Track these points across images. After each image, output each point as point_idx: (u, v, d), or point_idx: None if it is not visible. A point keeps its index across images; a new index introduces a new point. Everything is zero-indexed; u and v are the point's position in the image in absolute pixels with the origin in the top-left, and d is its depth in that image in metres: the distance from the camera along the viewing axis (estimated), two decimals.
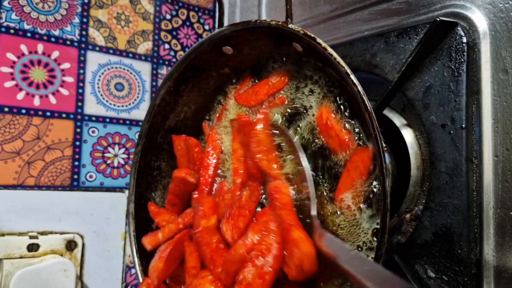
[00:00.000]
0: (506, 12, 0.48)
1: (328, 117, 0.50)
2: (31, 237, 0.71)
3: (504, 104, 0.47)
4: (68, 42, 0.79)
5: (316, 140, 0.53)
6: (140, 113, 0.87)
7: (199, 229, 0.56)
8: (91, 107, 0.81)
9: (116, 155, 0.84)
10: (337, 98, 0.51)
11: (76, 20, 0.81)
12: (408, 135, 0.55)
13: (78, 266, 0.76)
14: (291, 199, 0.52)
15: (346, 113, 0.49)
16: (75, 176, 0.79)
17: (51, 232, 0.74)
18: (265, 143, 0.55)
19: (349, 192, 0.48)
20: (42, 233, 0.73)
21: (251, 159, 0.57)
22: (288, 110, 0.57)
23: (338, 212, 0.49)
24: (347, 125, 0.49)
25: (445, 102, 0.50)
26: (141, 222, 0.66)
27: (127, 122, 0.85)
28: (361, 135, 0.48)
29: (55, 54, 0.78)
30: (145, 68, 0.88)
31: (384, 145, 0.41)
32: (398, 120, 0.56)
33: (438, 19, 0.49)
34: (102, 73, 0.83)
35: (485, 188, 0.48)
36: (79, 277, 0.76)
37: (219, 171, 0.63)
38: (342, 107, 0.50)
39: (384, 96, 0.53)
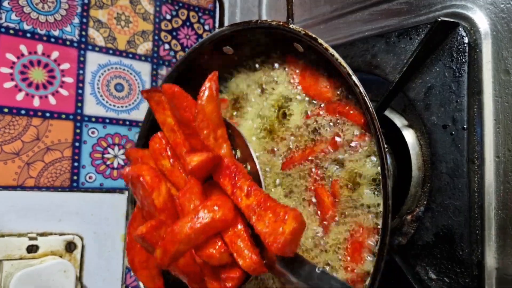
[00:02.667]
0: (507, 13, 0.48)
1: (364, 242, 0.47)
2: (30, 238, 0.71)
3: (506, 105, 0.47)
4: (67, 43, 0.79)
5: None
6: (140, 114, 0.86)
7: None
8: (91, 107, 0.81)
9: (116, 156, 0.83)
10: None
11: (76, 20, 0.80)
12: (409, 135, 0.54)
13: (77, 267, 0.75)
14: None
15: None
16: (75, 177, 0.78)
17: (50, 233, 0.74)
18: (211, 118, 0.48)
19: None
20: (42, 234, 0.73)
21: (191, 135, 0.49)
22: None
23: None
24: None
25: (446, 102, 0.49)
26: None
27: (127, 122, 0.85)
28: None
29: (55, 54, 0.78)
30: (145, 69, 0.88)
31: (385, 146, 0.41)
32: (399, 121, 0.56)
33: (439, 20, 0.49)
34: (102, 74, 0.83)
35: (487, 189, 0.48)
36: (79, 279, 0.75)
37: None
38: None
39: (385, 97, 0.53)
